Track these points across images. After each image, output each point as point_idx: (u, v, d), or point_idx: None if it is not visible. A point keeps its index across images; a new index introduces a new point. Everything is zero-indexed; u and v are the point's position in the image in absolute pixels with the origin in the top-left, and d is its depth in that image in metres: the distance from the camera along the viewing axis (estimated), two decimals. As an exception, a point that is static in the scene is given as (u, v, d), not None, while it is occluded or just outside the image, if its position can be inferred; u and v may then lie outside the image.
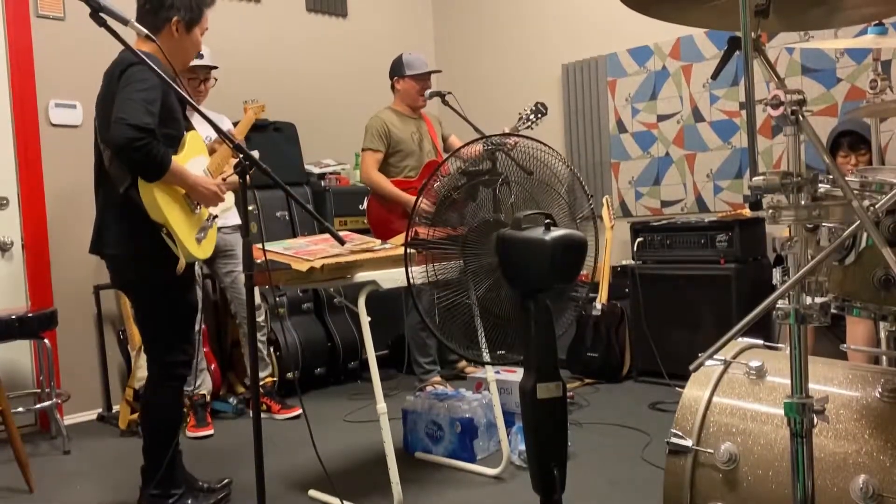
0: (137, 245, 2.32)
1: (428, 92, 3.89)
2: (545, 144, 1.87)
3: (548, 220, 1.72)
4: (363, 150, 3.94)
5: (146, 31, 2.07)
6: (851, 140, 3.17)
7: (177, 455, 2.52)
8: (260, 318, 3.81)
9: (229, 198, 2.71)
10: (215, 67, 3.66)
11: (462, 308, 1.85)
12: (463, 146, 1.93)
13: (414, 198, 3.79)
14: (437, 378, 4.06)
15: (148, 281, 2.35)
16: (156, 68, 1.93)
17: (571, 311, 1.93)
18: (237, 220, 3.70)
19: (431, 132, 4.09)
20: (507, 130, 1.94)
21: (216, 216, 2.53)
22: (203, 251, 2.43)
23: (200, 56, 3.55)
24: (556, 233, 1.69)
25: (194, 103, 1.97)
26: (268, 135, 4.40)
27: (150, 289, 2.39)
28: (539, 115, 3.70)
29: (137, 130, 2.13)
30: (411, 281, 1.79)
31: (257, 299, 3.82)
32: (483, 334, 1.93)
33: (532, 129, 3.63)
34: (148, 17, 2.37)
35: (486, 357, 1.91)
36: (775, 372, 1.65)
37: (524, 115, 3.72)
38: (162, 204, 2.26)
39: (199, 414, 3.58)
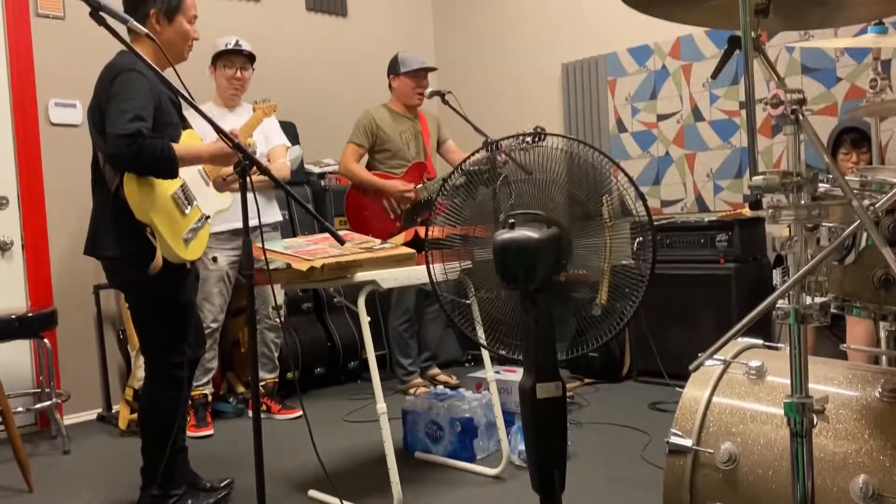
0: (130, 246, 2.31)
1: (428, 91, 3.88)
2: (596, 148, 1.87)
3: (512, 222, 1.73)
4: (348, 142, 4.01)
5: (146, 31, 2.06)
6: (854, 137, 3.17)
7: (179, 455, 2.52)
8: (279, 320, 3.81)
9: (229, 199, 2.69)
10: (251, 56, 3.70)
11: (466, 306, 1.87)
12: (469, 156, 1.95)
13: (390, 181, 3.90)
14: (419, 380, 4.06)
15: (142, 281, 2.34)
16: (153, 68, 1.92)
17: (574, 321, 1.94)
18: (277, 217, 3.81)
19: (425, 133, 4.08)
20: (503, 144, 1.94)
21: (208, 217, 2.52)
22: (191, 252, 2.41)
23: (238, 45, 3.63)
24: (505, 234, 1.71)
25: (193, 101, 1.96)
26: (268, 134, 4.39)
27: (144, 289, 2.38)
28: (536, 140, 3.58)
29: (127, 139, 2.15)
30: (433, 278, 1.83)
31: (279, 300, 3.81)
32: (482, 328, 1.94)
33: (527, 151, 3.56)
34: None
35: (498, 350, 1.93)
36: (775, 372, 1.65)
37: (520, 138, 3.59)
38: (147, 205, 2.26)
39: (200, 413, 3.58)
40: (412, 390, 3.94)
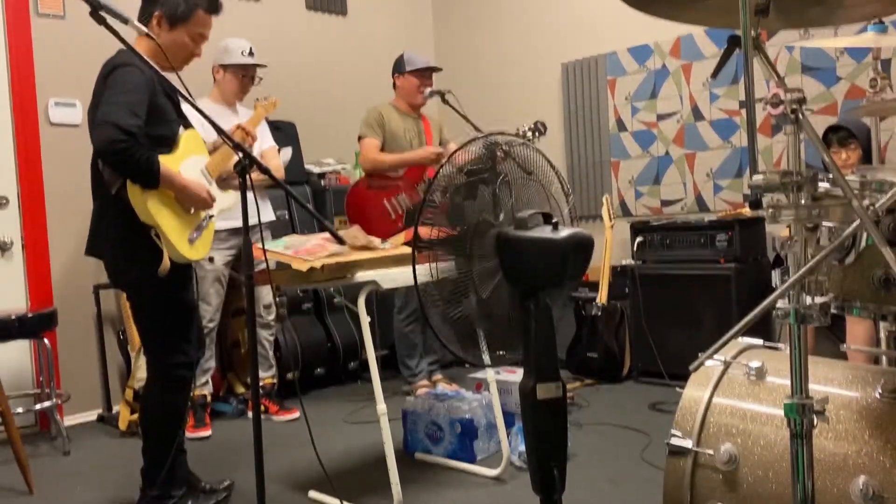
0: (132, 246, 2.30)
1: (428, 91, 3.88)
2: (535, 148, 1.87)
3: (555, 220, 1.73)
4: (361, 137, 3.93)
5: (146, 30, 2.06)
6: (841, 136, 3.17)
7: (179, 456, 2.51)
8: (270, 318, 3.80)
9: (231, 198, 2.69)
10: (262, 66, 3.77)
11: (462, 308, 1.84)
12: (459, 148, 1.92)
13: (418, 150, 3.86)
14: (425, 381, 4.03)
15: (144, 282, 2.34)
16: (150, 65, 1.92)
17: (561, 307, 1.94)
18: (271, 217, 3.86)
19: (427, 134, 4.06)
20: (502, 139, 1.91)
21: (213, 215, 2.51)
22: (197, 252, 2.40)
23: (251, 54, 3.73)
24: (566, 232, 1.70)
25: (192, 101, 1.96)
26: (268, 134, 4.39)
27: (146, 289, 2.38)
28: (537, 134, 3.58)
29: (119, 131, 2.12)
30: (417, 281, 1.79)
31: (269, 298, 3.80)
32: (483, 335, 1.92)
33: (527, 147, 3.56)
34: (139, 13, 2.40)
35: (486, 359, 1.91)
36: (775, 372, 1.65)
37: (521, 132, 3.61)
38: (151, 206, 2.25)
39: (199, 414, 3.57)
40: (419, 391, 3.91)
